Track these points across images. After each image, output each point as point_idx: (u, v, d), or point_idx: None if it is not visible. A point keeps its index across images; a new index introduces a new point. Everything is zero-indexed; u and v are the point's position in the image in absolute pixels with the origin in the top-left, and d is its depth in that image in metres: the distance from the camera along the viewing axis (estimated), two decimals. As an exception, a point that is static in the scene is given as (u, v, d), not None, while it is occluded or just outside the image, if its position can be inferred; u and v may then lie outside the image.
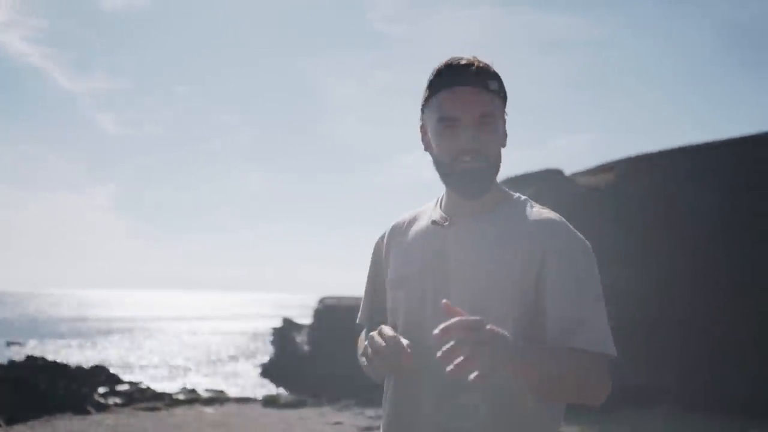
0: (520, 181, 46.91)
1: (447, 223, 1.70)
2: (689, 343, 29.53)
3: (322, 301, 34.76)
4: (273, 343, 37.32)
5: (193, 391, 27.13)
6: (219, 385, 33.28)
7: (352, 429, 9.96)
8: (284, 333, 35.69)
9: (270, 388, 32.54)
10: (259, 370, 37.10)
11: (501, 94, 1.65)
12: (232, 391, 29.53)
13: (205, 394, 26.50)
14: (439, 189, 1.79)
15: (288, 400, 12.18)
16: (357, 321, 1.96)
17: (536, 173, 46.00)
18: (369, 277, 1.92)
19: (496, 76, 1.64)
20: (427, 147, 1.70)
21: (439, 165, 1.67)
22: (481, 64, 1.63)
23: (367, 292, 1.93)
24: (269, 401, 12.43)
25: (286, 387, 30.28)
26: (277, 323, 37.95)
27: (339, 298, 35.06)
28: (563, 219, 1.69)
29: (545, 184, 43.64)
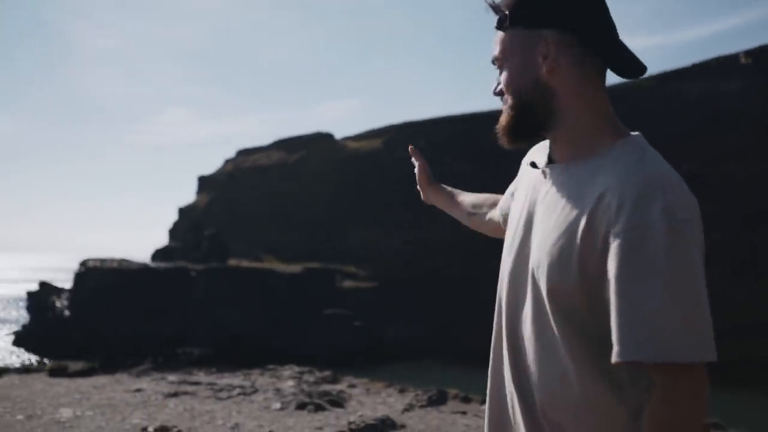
0: (292, 144, 47.47)
1: (542, 169, 1.47)
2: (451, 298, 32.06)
3: (83, 263, 32.94)
4: (28, 308, 34.69)
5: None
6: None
7: (156, 395, 9.62)
8: (41, 297, 33.36)
9: (25, 357, 30.41)
10: (11, 338, 34.48)
11: (517, 23, 1.41)
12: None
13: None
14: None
15: (77, 368, 11.50)
16: None
17: (308, 136, 46.99)
18: (511, 185, 1.73)
19: (507, 6, 1.41)
20: None
21: None
22: (496, 1, 1.45)
23: (506, 193, 1.78)
24: (56, 370, 11.65)
25: (44, 354, 28.50)
26: (33, 287, 35.26)
27: (102, 260, 33.40)
28: (659, 177, 1.25)
29: (316, 147, 44.65)
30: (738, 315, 23.19)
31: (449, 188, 2.13)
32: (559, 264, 1.30)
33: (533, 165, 1.50)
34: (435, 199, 2.13)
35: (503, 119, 1.45)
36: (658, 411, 1.20)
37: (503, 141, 1.47)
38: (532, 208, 1.44)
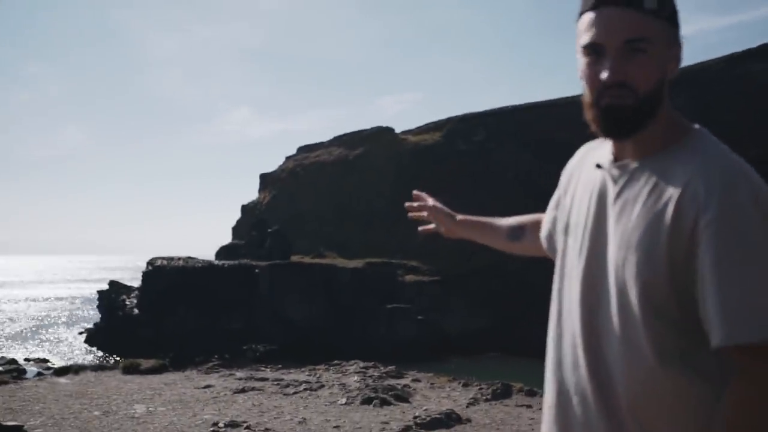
0: (353, 139, 47.75)
1: (607, 168, 1.45)
2: (510, 291, 31.82)
3: (151, 262, 33.75)
4: (99, 307, 35.76)
5: (13, 361, 25.70)
6: (40, 353, 31.69)
7: (225, 391, 9.92)
8: (111, 296, 34.36)
9: (97, 355, 31.38)
10: (83, 337, 35.60)
11: (663, 15, 1.36)
12: (56, 360, 28.26)
13: (25, 365, 25.21)
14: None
15: (149, 366, 11.93)
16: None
17: (368, 131, 47.18)
18: (554, 196, 1.70)
19: None
20: (581, 77, 1.44)
21: (583, 98, 1.42)
22: None
23: (549, 208, 1.73)
24: (129, 367, 12.12)
25: (114, 352, 29.31)
26: (103, 286, 36.32)
27: (168, 259, 34.17)
28: (739, 166, 1.30)
29: (377, 142, 44.80)
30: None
31: (475, 218, 2.09)
32: (647, 258, 1.30)
33: (598, 166, 1.47)
34: (464, 231, 2.09)
35: (622, 113, 1.36)
36: (745, 391, 1.22)
37: (615, 134, 1.41)
38: (602, 208, 1.43)
